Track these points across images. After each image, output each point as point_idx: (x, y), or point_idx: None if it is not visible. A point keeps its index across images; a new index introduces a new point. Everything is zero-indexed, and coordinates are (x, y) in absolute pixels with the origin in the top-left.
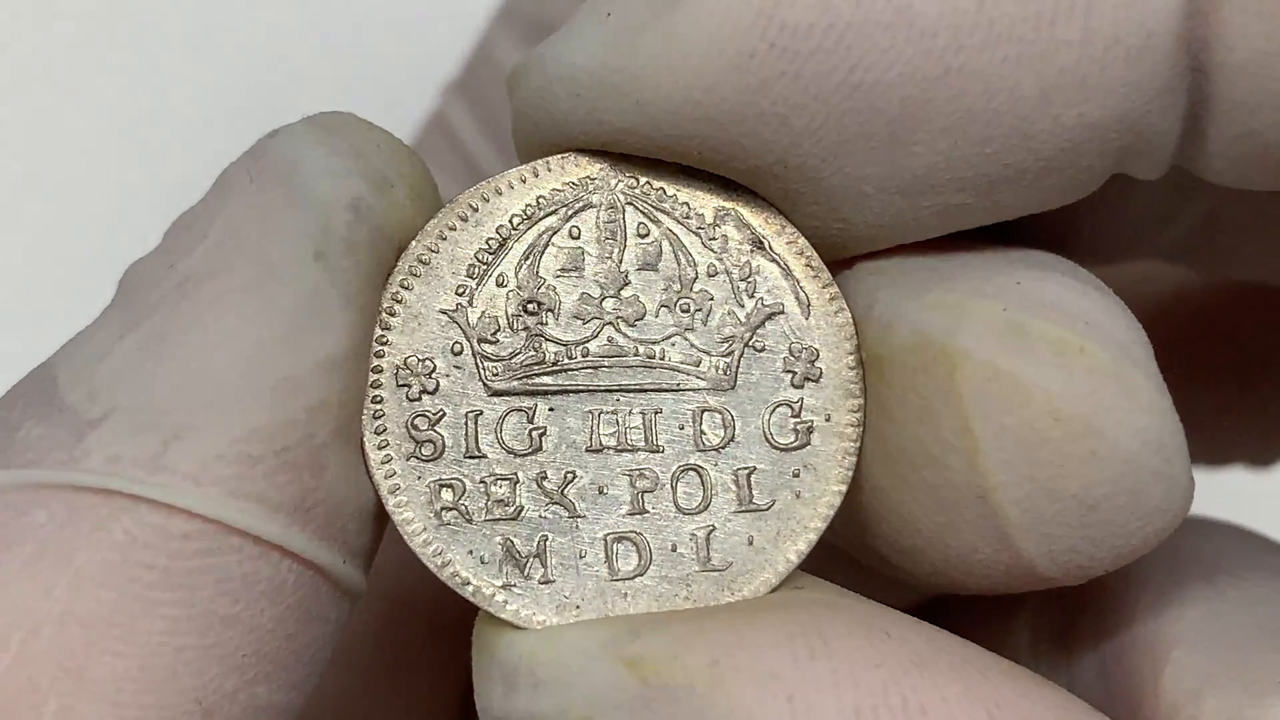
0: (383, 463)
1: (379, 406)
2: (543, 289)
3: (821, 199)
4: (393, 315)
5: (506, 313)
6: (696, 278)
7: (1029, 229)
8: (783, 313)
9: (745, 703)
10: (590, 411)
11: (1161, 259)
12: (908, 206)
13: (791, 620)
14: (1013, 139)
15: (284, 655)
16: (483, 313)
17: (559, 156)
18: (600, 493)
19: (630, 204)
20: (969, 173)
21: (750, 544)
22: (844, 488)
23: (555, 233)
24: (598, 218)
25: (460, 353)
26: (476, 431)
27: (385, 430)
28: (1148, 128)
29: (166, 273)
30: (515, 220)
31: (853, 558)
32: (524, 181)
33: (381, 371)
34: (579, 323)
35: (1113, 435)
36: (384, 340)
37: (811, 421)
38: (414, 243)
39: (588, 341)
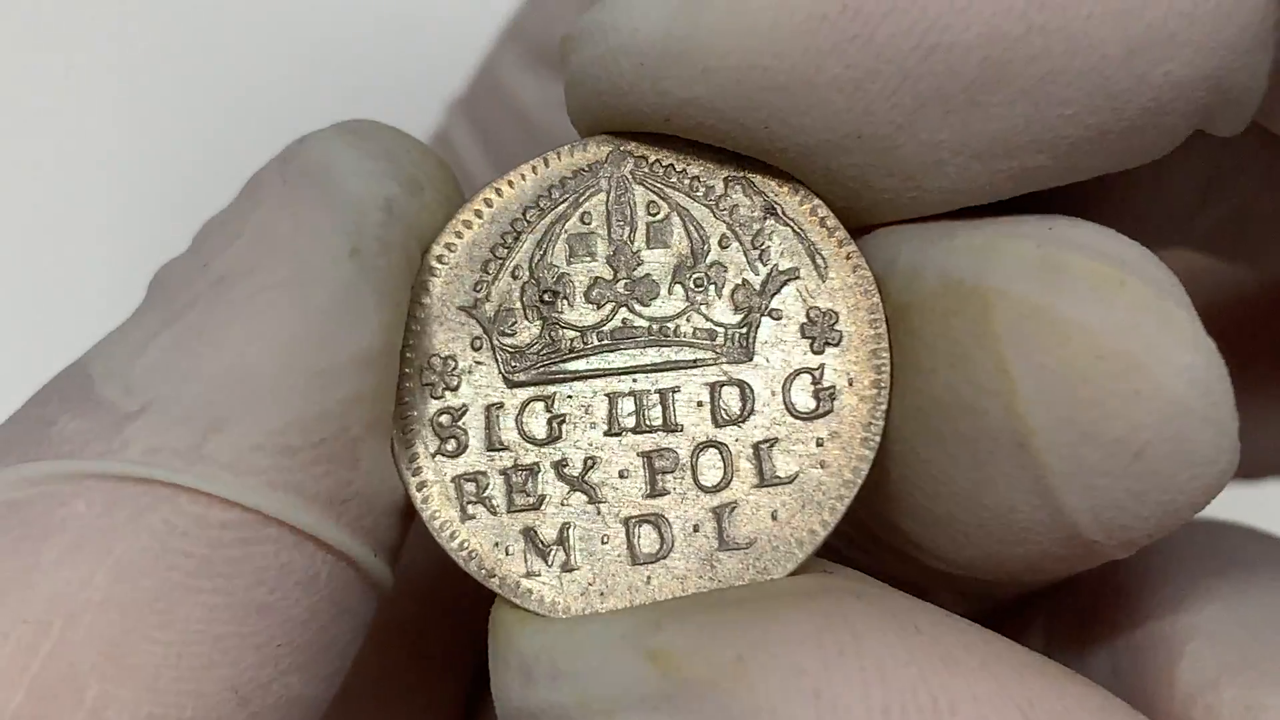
0: (410, 461)
1: (406, 405)
2: (557, 277)
3: (896, 169)
4: (415, 316)
5: (522, 304)
6: (709, 250)
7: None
8: (798, 277)
9: (770, 699)
10: (608, 395)
11: (1191, 250)
12: (984, 170)
13: (820, 613)
14: (1096, 99)
15: (315, 647)
16: (499, 306)
17: (568, 145)
18: (620, 476)
19: (639, 183)
20: (1048, 135)
21: (774, 518)
22: (871, 453)
23: (566, 220)
24: (607, 200)
25: (480, 347)
26: (498, 423)
27: (412, 429)
28: (1234, 85)
29: (200, 271)
30: (528, 212)
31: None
32: (535, 172)
33: (407, 370)
34: (593, 307)
35: (1157, 373)
36: (409, 340)
37: (834, 386)
38: (433, 244)
39: (602, 325)
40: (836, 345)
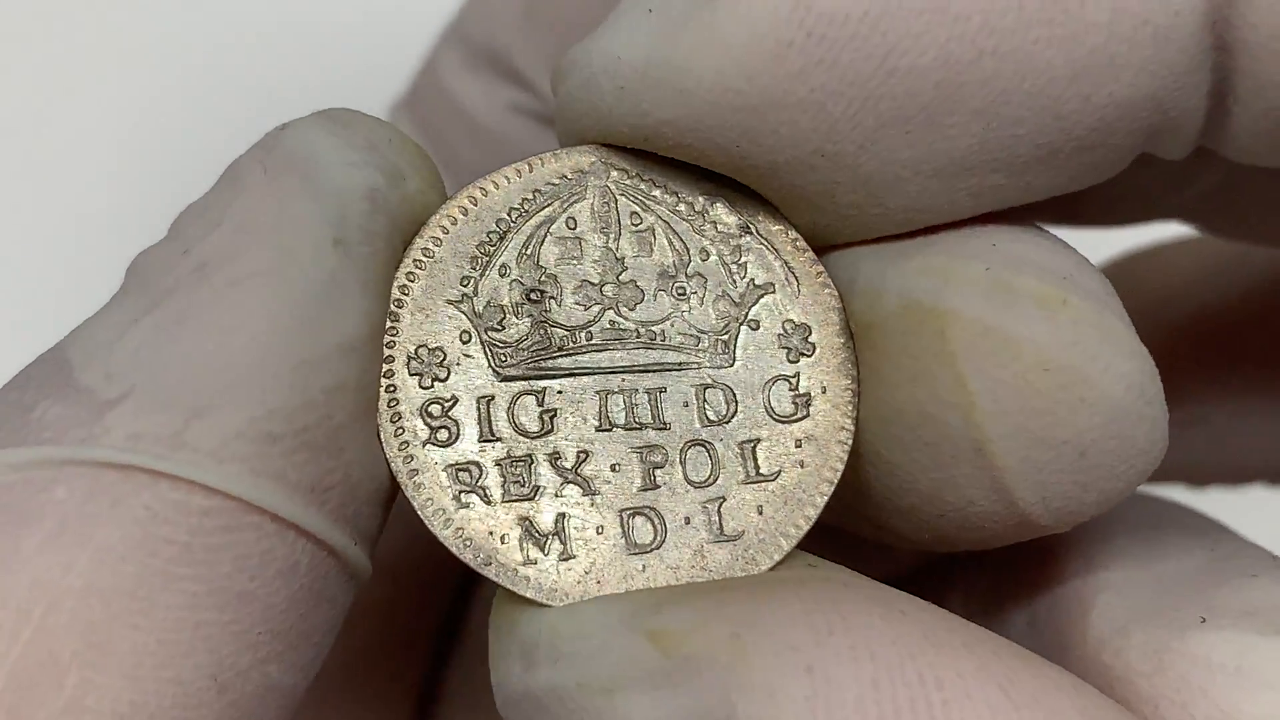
0: (400, 449)
1: (393, 395)
2: (544, 277)
3: (859, 186)
4: (400, 307)
5: (511, 300)
6: (690, 260)
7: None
8: (774, 291)
9: (766, 674)
10: (599, 392)
11: (1178, 219)
12: (943, 189)
13: (810, 596)
14: (1045, 119)
15: (294, 635)
16: (488, 301)
17: (552, 152)
18: (613, 469)
19: (622, 194)
20: (1002, 154)
21: (760, 513)
22: (845, 454)
23: (552, 223)
24: (592, 207)
25: (469, 340)
26: (490, 415)
27: (401, 417)
28: (1175, 106)
29: (181, 258)
30: (513, 213)
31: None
32: (519, 175)
33: (393, 361)
34: (580, 308)
35: (1100, 382)
36: (393, 331)
37: (809, 394)
38: (416, 237)
39: (591, 325)
40: (810, 356)
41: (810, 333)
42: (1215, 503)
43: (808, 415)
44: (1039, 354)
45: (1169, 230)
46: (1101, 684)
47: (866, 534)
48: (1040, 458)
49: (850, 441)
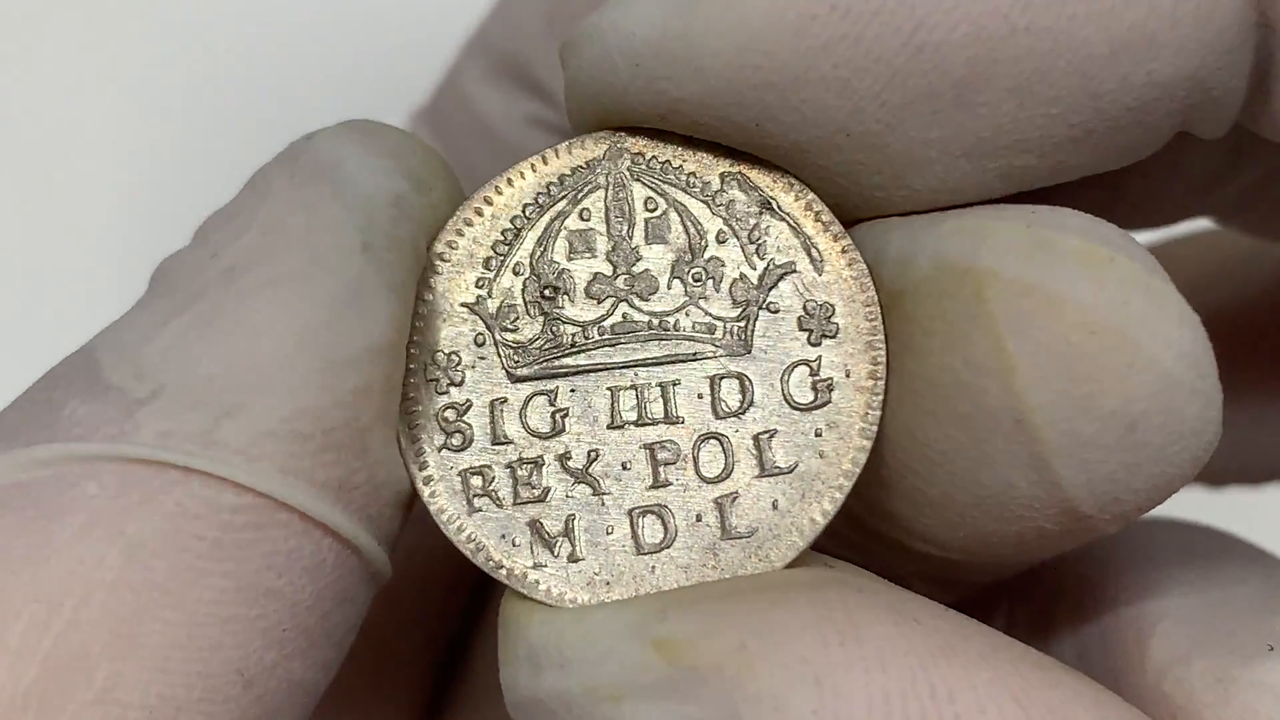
0: (416, 455)
1: (410, 401)
2: (557, 273)
3: (885, 167)
4: (418, 311)
5: (524, 300)
6: (706, 245)
7: (1079, 187)
8: (795, 271)
9: (773, 686)
10: (610, 389)
11: (1212, 217)
12: (972, 169)
13: (821, 603)
14: (1080, 99)
15: (318, 633)
16: (501, 302)
17: (566, 143)
18: (623, 468)
19: (636, 179)
20: (1035, 133)
21: (775, 508)
22: (868, 443)
23: (566, 217)
24: (605, 197)
25: (483, 344)
26: (502, 418)
27: (417, 424)
28: (1216, 86)
29: (209, 262)
30: (528, 209)
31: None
32: (534, 170)
33: (411, 367)
34: (594, 303)
35: (1148, 347)
36: (411, 336)
37: (831, 378)
38: (435, 241)
39: (603, 320)
40: (833, 338)
41: (834, 313)
42: (1232, 503)
43: (829, 401)
44: (1084, 315)
45: (1181, 227)
46: (1162, 713)
47: (890, 557)
48: (1084, 430)
49: (876, 426)
